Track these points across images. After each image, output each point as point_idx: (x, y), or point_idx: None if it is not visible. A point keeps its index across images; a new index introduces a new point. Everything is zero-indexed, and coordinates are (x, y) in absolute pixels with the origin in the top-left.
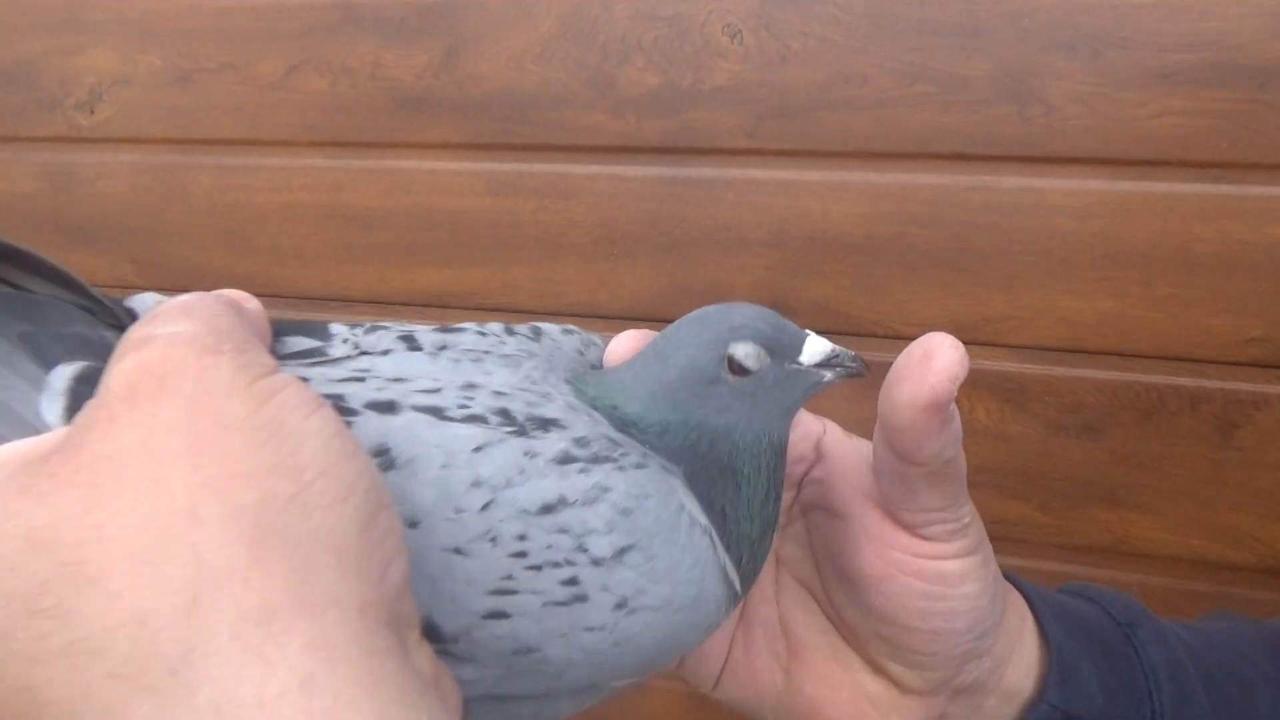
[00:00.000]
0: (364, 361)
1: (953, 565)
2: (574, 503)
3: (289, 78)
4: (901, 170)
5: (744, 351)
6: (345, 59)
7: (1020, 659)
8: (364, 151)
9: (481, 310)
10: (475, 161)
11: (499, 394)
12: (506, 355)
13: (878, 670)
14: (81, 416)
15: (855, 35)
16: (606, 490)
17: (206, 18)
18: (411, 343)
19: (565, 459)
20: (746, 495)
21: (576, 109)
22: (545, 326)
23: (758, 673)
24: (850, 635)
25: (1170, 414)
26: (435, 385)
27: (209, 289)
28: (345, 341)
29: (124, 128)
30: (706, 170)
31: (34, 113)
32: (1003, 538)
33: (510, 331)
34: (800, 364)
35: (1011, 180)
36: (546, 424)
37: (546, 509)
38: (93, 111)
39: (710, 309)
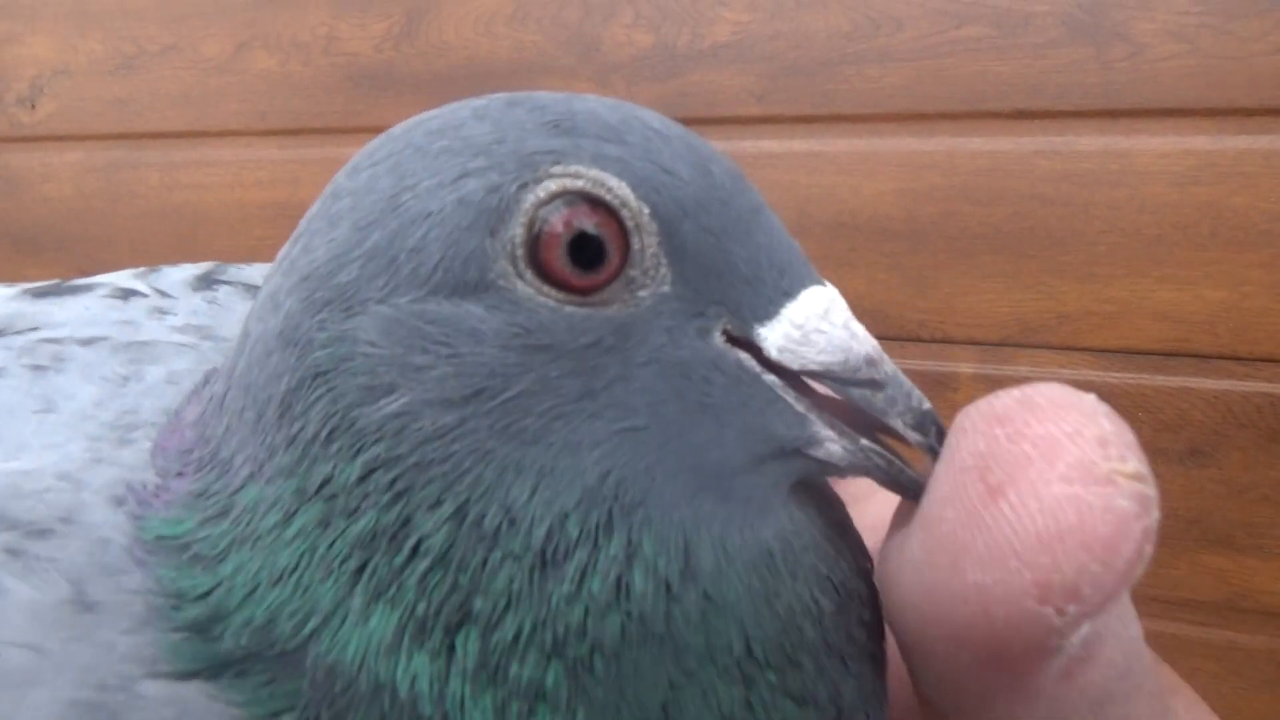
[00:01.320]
0: None
1: None
2: None
3: (237, 57)
4: (949, 134)
5: (590, 202)
6: (296, 32)
7: None
8: (321, 139)
9: None
10: None
11: None
12: (135, 345)
13: None
14: None
15: None
16: None
17: None
18: None
19: None
20: None
21: (557, 77)
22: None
23: None
24: None
25: None
26: None
27: None
28: None
29: (67, 124)
30: (711, 143)
31: None
32: None
33: (210, 283)
34: (761, 347)
35: (1090, 141)
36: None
37: None
38: (34, 106)
39: (482, 100)
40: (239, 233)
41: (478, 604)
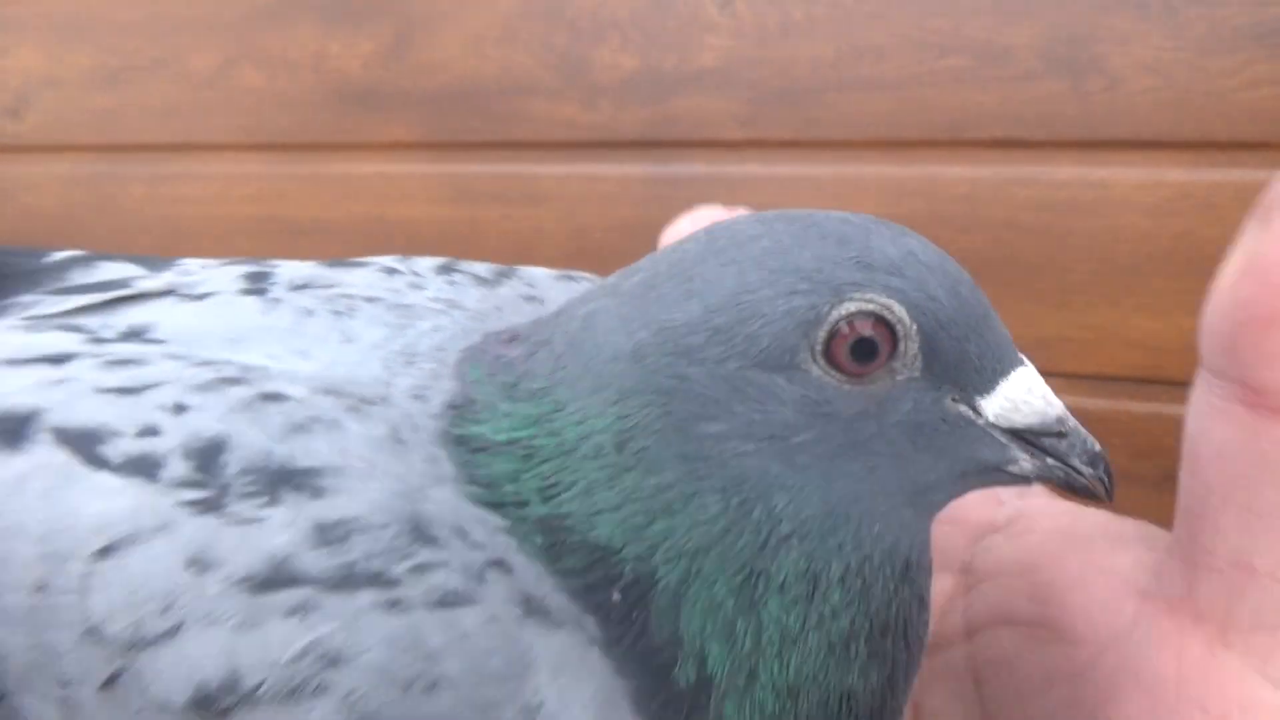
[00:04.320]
0: (151, 311)
1: None
2: (273, 693)
3: (224, 73)
4: (930, 161)
5: (875, 319)
6: (285, 50)
7: None
8: (308, 154)
9: None
10: (431, 163)
11: (252, 409)
12: (403, 306)
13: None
14: None
15: (869, 0)
16: (343, 662)
17: (135, 8)
18: (258, 283)
19: (270, 580)
20: (785, 635)
21: (544, 98)
22: (528, 271)
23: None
24: None
25: None
26: (161, 379)
27: None
28: (186, 274)
29: (52, 134)
30: (696, 167)
31: None
32: None
33: (449, 270)
34: (979, 414)
35: (1067, 171)
36: (289, 482)
37: (199, 704)
38: (19, 116)
39: (819, 214)
40: (224, 245)
41: (720, 562)
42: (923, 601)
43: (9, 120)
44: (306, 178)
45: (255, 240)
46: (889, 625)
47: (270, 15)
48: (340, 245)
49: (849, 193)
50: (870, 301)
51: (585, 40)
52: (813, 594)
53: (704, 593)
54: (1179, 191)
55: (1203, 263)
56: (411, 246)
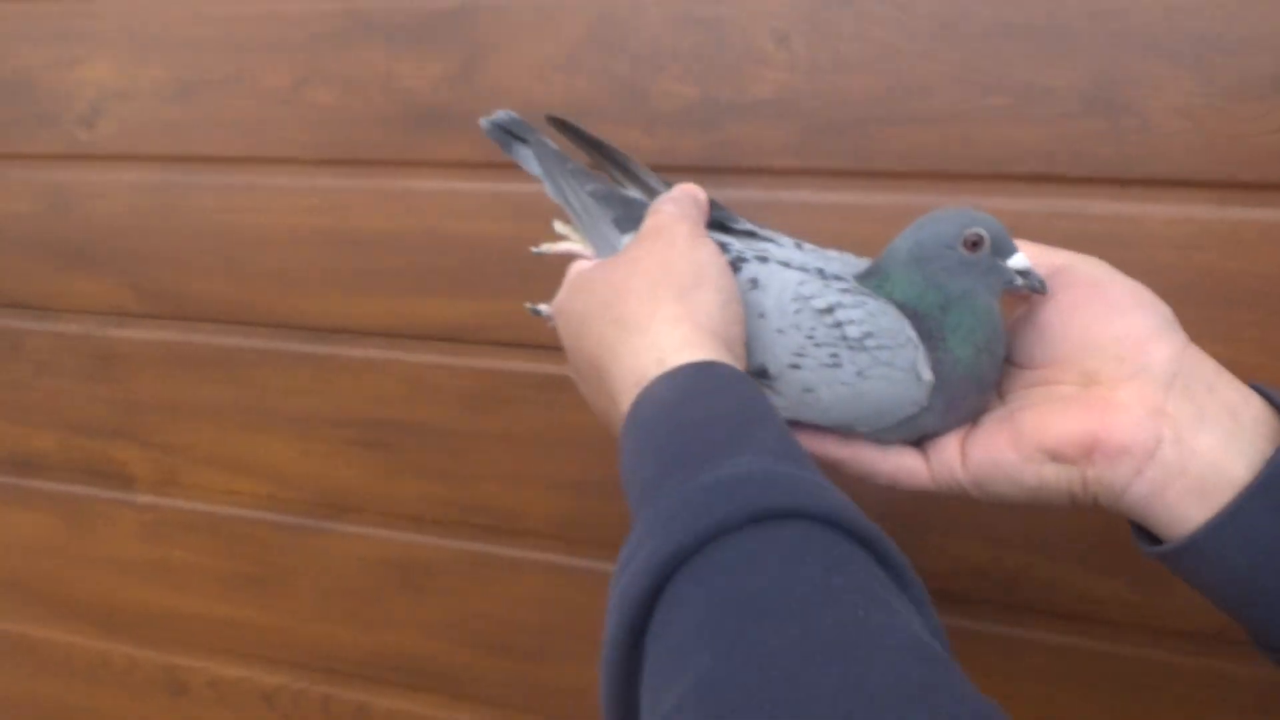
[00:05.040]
0: (759, 242)
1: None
2: (842, 307)
3: (295, 91)
4: (973, 193)
5: (977, 232)
6: (355, 70)
7: (1232, 385)
8: (374, 170)
9: (499, 345)
10: (494, 182)
11: (819, 266)
12: (830, 256)
13: (1086, 382)
14: (630, 242)
15: (919, 39)
16: (861, 304)
17: (210, 27)
18: (784, 240)
19: (843, 291)
20: (956, 329)
21: (605, 124)
22: (832, 252)
23: (990, 436)
24: (1059, 372)
25: None
26: (789, 257)
27: (210, 320)
28: (749, 231)
29: (124, 143)
30: (749, 192)
31: (31, 128)
32: (1086, 618)
33: (804, 244)
34: (1005, 265)
35: (1101, 206)
36: (838, 278)
37: (827, 310)
38: (91, 126)
39: (953, 208)
40: (288, 254)
41: (941, 319)
42: (1002, 337)
43: (82, 129)
44: (371, 192)
45: (318, 250)
46: (993, 343)
47: (341, 37)
48: (400, 257)
49: (895, 220)
50: (977, 227)
51: (646, 70)
52: (969, 325)
53: (943, 322)
54: (1205, 228)
55: (1226, 293)
56: (470, 261)
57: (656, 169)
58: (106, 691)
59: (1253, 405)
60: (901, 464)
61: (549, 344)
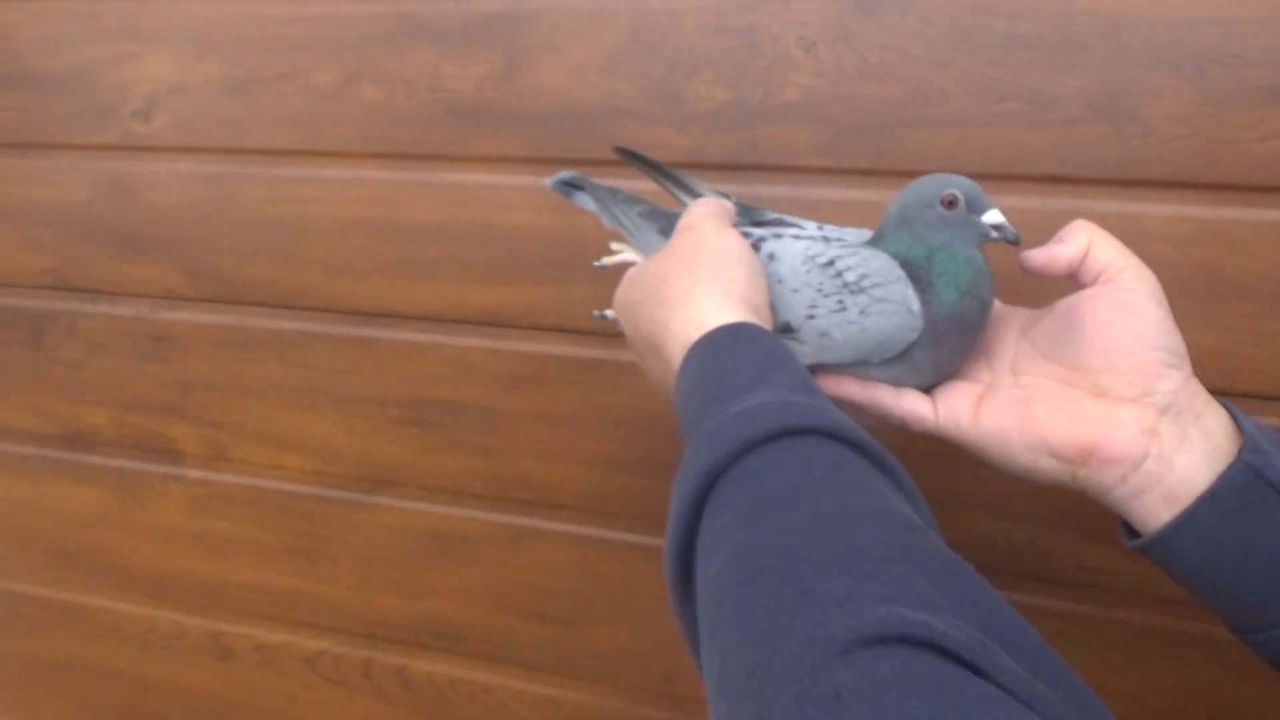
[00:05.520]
0: (782, 228)
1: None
2: (841, 259)
3: (345, 88)
4: (987, 192)
5: (952, 193)
6: (403, 69)
7: (1216, 414)
8: (420, 164)
9: (538, 330)
10: (535, 176)
11: (825, 235)
12: (845, 231)
13: (1097, 393)
14: (673, 237)
15: (938, 49)
16: (855, 253)
17: (264, 27)
18: (807, 224)
19: (841, 247)
20: (941, 275)
21: (641, 123)
22: (849, 230)
23: (1004, 412)
24: (1070, 373)
25: None
26: (800, 233)
27: (260, 304)
28: (775, 220)
29: (178, 136)
30: (777, 189)
31: (89, 120)
32: (1085, 585)
33: (822, 226)
34: (980, 220)
35: (1105, 205)
36: (839, 239)
37: (829, 264)
38: (148, 119)
39: (934, 174)
40: (338, 244)
41: (928, 268)
42: (987, 281)
43: (138, 123)
44: (418, 185)
45: (367, 240)
46: (977, 287)
47: (389, 37)
48: (446, 247)
49: None
50: (952, 188)
51: (681, 73)
52: (952, 272)
53: (930, 270)
54: (1201, 226)
55: (1220, 287)
56: (511, 250)
57: (690, 167)
58: (155, 656)
59: (1227, 430)
60: (914, 408)
61: (586, 329)
